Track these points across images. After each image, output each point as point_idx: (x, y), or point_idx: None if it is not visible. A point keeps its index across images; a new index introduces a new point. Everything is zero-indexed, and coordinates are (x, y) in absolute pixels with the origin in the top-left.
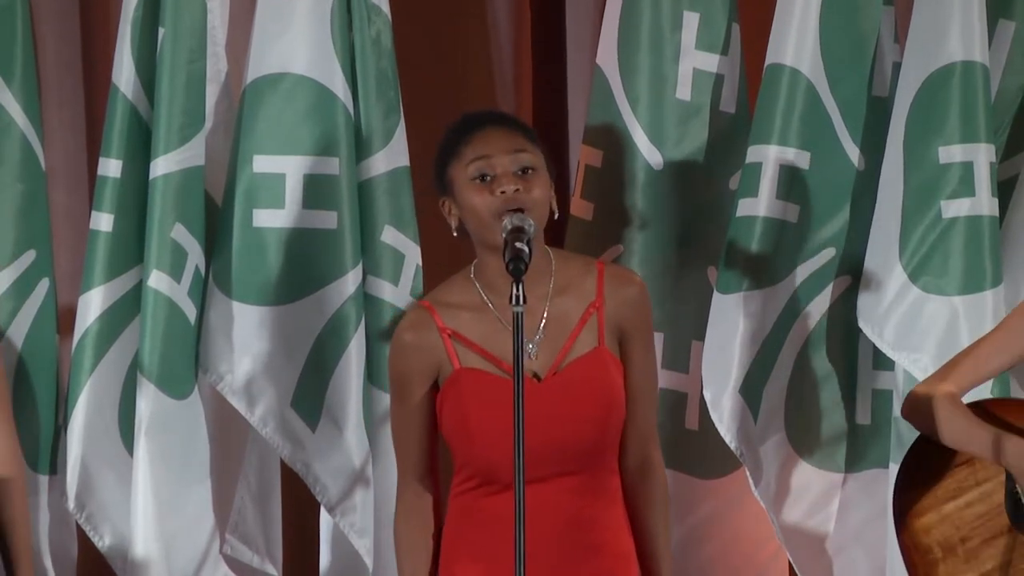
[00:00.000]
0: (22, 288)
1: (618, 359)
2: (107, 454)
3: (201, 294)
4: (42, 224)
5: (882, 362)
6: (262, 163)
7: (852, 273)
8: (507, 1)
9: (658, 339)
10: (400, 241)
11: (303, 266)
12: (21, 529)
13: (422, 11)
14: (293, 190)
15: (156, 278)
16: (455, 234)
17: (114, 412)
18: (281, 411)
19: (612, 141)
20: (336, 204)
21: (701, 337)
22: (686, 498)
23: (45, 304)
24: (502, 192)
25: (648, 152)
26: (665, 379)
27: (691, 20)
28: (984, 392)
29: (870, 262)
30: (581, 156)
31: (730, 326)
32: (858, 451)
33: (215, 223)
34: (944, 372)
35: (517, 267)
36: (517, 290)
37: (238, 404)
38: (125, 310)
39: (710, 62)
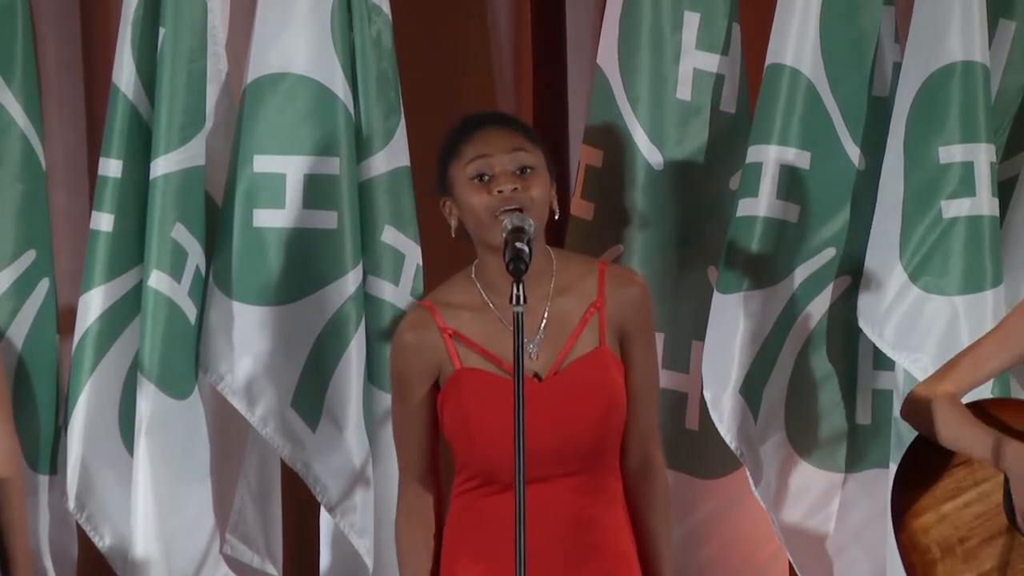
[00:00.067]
0: (22, 288)
1: (619, 359)
2: (107, 454)
3: (201, 294)
4: (42, 224)
5: (882, 362)
6: (262, 163)
7: (852, 273)
8: (507, 1)
9: (658, 339)
10: (400, 241)
11: (303, 266)
12: (19, 530)
13: (422, 11)
14: (293, 190)
15: (156, 278)
16: (454, 235)
17: (114, 412)
18: (281, 411)
19: (612, 141)
20: (336, 204)
21: (701, 337)
22: (686, 498)
23: (45, 304)
24: (500, 191)
25: (648, 152)
26: (665, 379)
27: (691, 20)
28: (984, 392)
29: (870, 262)
30: (581, 156)
31: (730, 326)
32: (858, 451)
33: (215, 223)
34: (944, 372)
35: (517, 267)
36: (517, 290)
37: (238, 404)
38: (125, 310)
39: (710, 62)
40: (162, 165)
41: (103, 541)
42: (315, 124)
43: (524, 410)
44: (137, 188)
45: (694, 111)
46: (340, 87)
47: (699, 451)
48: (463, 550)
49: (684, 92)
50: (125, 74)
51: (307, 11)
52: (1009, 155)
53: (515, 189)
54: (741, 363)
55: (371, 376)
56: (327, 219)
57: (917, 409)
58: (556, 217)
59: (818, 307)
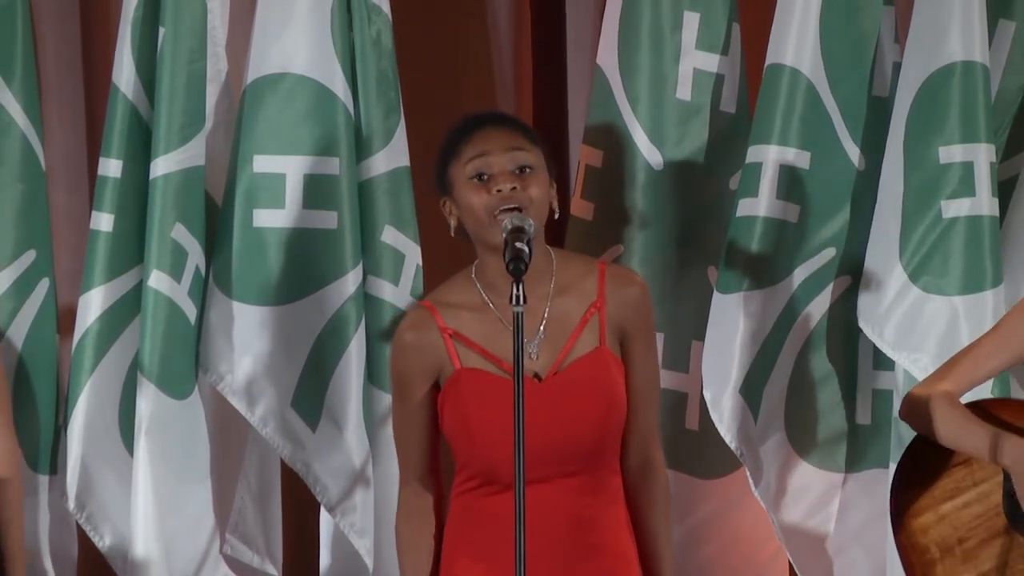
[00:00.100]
0: (22, 288)
1: (619, 359)
2: (107, 454)
3: (201, 294)
4: (42, 224)
5: (882, 362)
6: (262, 163)
7: (852, 273)
8: (507, 1)
9: (658, 339)
10: (400, 241)
11: (303, 266)
12: (15, 531)
13: (422, 11)
14: (293, 190)
15: (156, 278)
16: (453, 235)
17: (114, 412)
18: (281, 411)
19: (612, 141)
20: (336, 204)
21: (701, 337)
22: (686, 498)
23: (45, 304)
24: (499, 190)
25: (648, 152)
26: (665, 379)
27: (691, 20)
28: (984, 392)
29: (870, 262)
30: (581, 156)
31: (730, 326)
32: (858, 451)
33: (215, 223)
34: (942, 372)
35: (517, 267)
36: (517, 290)
37: (238, 404)
38: (125, 310)
39: (710, 62)
40: (162, 165)
41: (103, 541)
42: (315, 124)
43: (524, 410)
44: (137, 188)
45: (694, 111)
46: (340, 87)
47: (699, 451)
48: (463, 550)
49: (684, 92)
50: (125, 74)
51: (307, 11)
52: (1009, 155)
53: (514, 188)
54: (741, 363)
55: (371, 376)
56: (327, 219)
57: (915, 409)
58: (556, 217)
59: (818, 307)
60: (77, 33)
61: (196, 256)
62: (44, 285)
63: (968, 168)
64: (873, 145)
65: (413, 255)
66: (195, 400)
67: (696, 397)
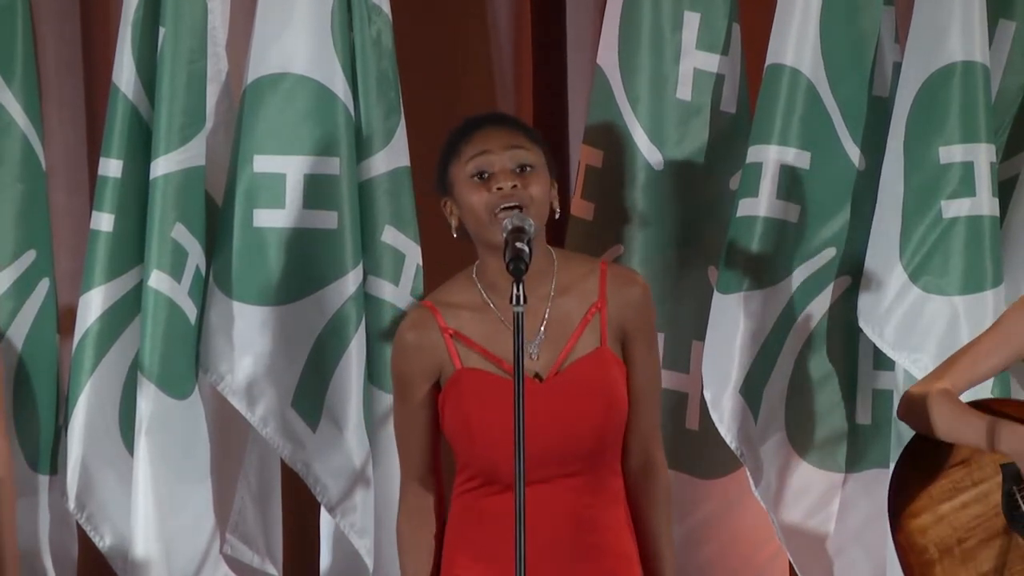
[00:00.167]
0: (22, 288)
1: (620, 360)
2: (107, 454)
3: (201, 294)
4: (42, 224)
5: (882, 362)
6: (262, 163)
7: (852, 273)
8: (507, 1)
9: (658, 339)
10: (400, 241)
11: (303, 266)
12: (8, 530)
13: (422, 11)
14: (293, 190)
15: (156, 278)
16: (455, 235)
17: (115, 412)
18: (281, 411)
19: (612, 141)
20: (336, 204)
21: (701, 337)
22: (686, 498)
23: (45, 304)
24: (499, 188)
25: (648, 152)
26: (665, 379)
27: (692, 20)
28: (984, 392)
29: (870, 262)
30: (581, 156)
31: (730, 326)
32: (858, 451)
33: (215, 223)
34: (941, 371)
35: (517, 267)
36: (517, 290)
37: (238, 404)
38: (125, 310)
39: (710, 62)
40: (162, 165)
41: (103, 541)
42: (315, 124)
43: (524, 410)
44: (137, 188)
45: (694, 111)
46: (340, 87)
47: (699, 451)
48: (464, 550)
49: (684, 92)
50: (125, 74)
51: (307, 11)
52: (1009, 155)
53: (514, 186)
54: (741, 363)
55: (371, 376)
56: (327, 219)
57: (913, 407)
58: (557, 217)
59: (818, 307)
60: (77, 33)
61: (196, 256)
62: (44, 285)
63: (968, 168)
64: (873, 145)
65: (413, 255)
66: (195, 400)
67: (696, 397)
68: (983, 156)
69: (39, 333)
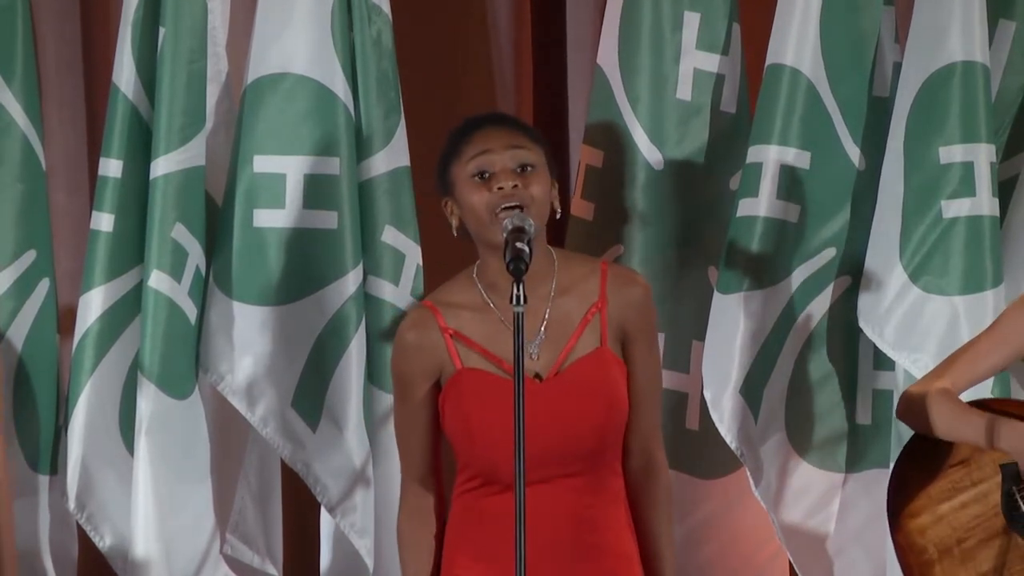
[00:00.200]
0: (22, 288)
1: (621, 360)
2: (108, 454)
3: (201, 294)
4: (42, 224)
5: (882, 362)
6: (263, 163)
7: (852, 273)
8: (507, 1)
9: (659, 339)
10: (400, 241)
11: (303, 266)
12: (5, 532)
13: (422, 11)
14: (293, 190)
15: (156, 278)
16: (456, 234)
17: (115, 412)
18: (282, 411)
19: (613, 141)
20: (336, 204)
21: (701, 337)
22: (686, 498)
23: (45, 304)
24: (500, 188)
25: (649, 152)
26: (666, 379)
27: (692, 20)
28: (984, 391)
29: (870, 262)
30: (582, 156)
31: (731, 326)
32: (859, 451)
33: (215, 223)
34: (940, 371)
35: (517, 267)
36: (518, 290)
37: (238, 404)
38: (126, 310)
39: (711, 62)
40: (162, 165)
41: (103, 541)
42: (315, 124)
43: (524, 410)
44: (137, 188)
45: (694, 111)
46: (340, 87)
47: (699, 451)
48: (464, 550)
49: (684, 92)
50: (125, 74)
51: (307, 11)
52: (1009, 155)
53: (515, 186)
54: (741, 363)
55: (371, 376)
56: (327, 219)
57: (912, 406)
58: (558, 217)
59: (818, 307)
60: (77, 33)
61: (196, 256)
62: (44, 285)
63: (968, 168)
64: (873, 145)
65: (413, 255)
66: (195, 400)
67: (696, 397)
68: (983, 156)
69: (39, 333)
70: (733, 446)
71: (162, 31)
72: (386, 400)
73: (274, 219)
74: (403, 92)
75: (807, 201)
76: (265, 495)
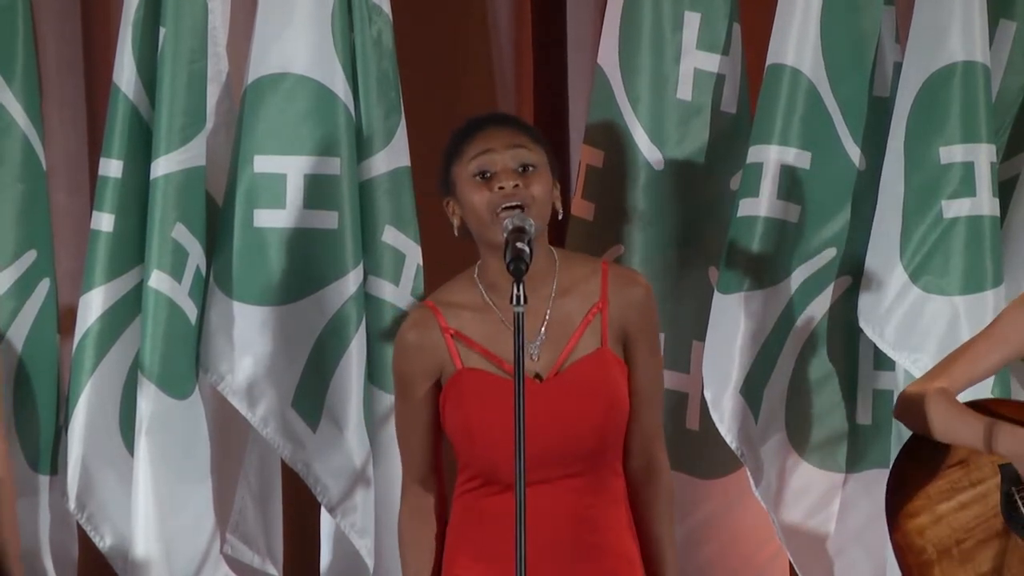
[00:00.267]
0: (23, 288)
1: (622, 360)
2: (108, 454)
3: (202, 294)
4: (43, 224)
5: (883, 362)
6: (263, 163)
7: (853, 273)
8: (507, 1)
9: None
10: (401, 241)
11: (304, 266)
12: (9, 532)
13: (423, 11)
14: (294, 190)
15: (157, 278)
16: (457, 234)
17: (115, 412)
18: (282, 411)
19: (613, 141)
20: (337, 204)
21: (702, 337)
22: (686, 498)
23: (46, 304)
24: (501, 187)
25: (649, 152)
26: (666, 379)
27: (692, 20)
28: (984, 392)
29: (871, 262)
30: (582, 156)
31: (731, 326)
32: (859, 451)
33: (216, 223)
34: (938, 370)
35: (518, 267)
36: (518, 290)
37: (239, 404)
38: (126, 310)
39: (711, 62)
40: (163, 165)
41: (103, 541)
42: (315, 124)
43: (525, 411)
44: (138, 188)
45: (695, 111)
46: (340, 87)
47: (699, 451)
48: (464, 550)
49: (685, 92)
50: (126, 74)
51: (308, 11)
52: (1009, 155)
53: (516, 186)
54: (742, 363)
55: (371, 376)
56: (327, 219)
57: (909, 406)
58: (560, 217)
59: (818, 307)
60: (78, 33)
61: (197, 256)
62: (45, 285)
63: (969, 168)
64: (874, 145)
65: (414, 255)
66: (195, 400)
67: (697, 397)
68: (983, 156)
69: (39, 333)
70: (733, 446)
71: (163, 31)
72: (386, 400)
73: (274, 219)
74: (403, 92)
75: (807, 201)
76: (265, 495)
